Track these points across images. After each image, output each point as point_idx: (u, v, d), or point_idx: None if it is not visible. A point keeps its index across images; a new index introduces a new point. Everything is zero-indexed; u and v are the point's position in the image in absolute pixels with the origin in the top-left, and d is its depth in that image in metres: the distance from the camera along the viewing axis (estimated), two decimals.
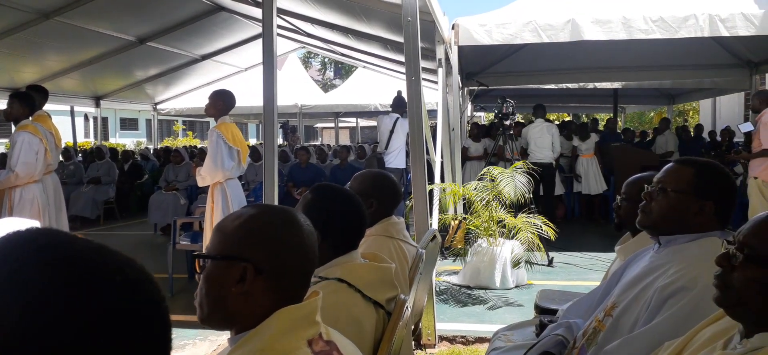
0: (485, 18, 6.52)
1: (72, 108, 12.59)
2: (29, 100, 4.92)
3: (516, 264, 5.29)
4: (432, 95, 9.33)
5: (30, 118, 4.87)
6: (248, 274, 1.14)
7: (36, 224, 3.97)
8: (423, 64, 4.08)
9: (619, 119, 14.12)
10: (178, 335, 3.97)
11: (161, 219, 8.44)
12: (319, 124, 30.07)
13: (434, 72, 6.82)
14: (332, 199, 1.81)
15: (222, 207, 4.51)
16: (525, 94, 11.57)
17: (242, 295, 1.14)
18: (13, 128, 4.92)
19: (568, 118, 16.21)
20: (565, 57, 8.84)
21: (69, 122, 12.67)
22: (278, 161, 4.09)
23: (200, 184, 4.75)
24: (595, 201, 9.15)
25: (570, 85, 11.47)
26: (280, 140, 13.85)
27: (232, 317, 1.17)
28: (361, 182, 2.39)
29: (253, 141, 24.75)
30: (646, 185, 1.80)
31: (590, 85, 11.70)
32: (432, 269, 3.17)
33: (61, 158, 8.51)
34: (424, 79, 3.95)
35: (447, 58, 6.66)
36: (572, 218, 9.35)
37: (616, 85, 11.85)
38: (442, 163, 6.15)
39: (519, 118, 12.55)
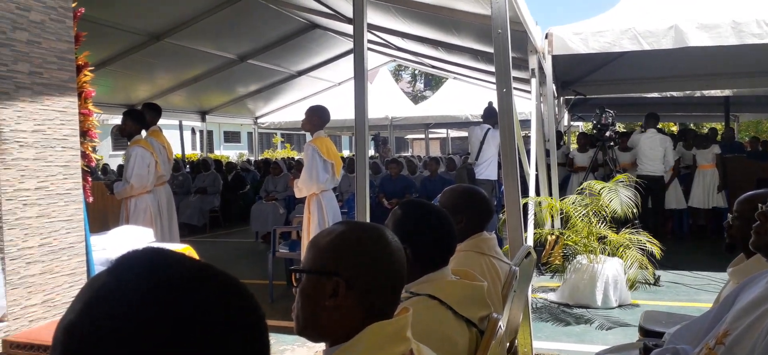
0: (580, 26, 6.29)
1: (180, 122, 13.49)
2: (141, 117, 5.34)
3: (632, 285, 5.02)
4: (525, 105, 9.12)
5: (143, 133, 5.28)
6: (340, 288, 1.17)
7: (149, 231, 4.29)
8: (515, 74, 4.00)
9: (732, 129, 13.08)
10: (277, 340, 4.12)
11: (262, 227, 8.83)
12: (409, 136, 30.24)
13: (527, 82, 6.66)
14: (421, 215, 1.80)
15: (317, 218, 4.65)
16: (626, 103, 11.01)
17: (334, 309, 1.17)
18: (128, 143, 5.35)
19: (674, 128, 15.23)
20: (668, 64, 8.32)
21: (178, 136, 13.59)
22: (369, 173, 4.16)
23: (297, 195, 4.93)
24: (708, 216, 8.50)
25: (675, 94, 10.78)
26: (371, 152, 14.08)
27: (325, 330, 1.20)
28: (451, 197, 2.37)
29: (346, 153, 25.30)
30: (760, 205, 1.65)
31: (697, 94, 10.93)
32: (527, 286, 3.08)
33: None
34: (516, 88, 3.87)
35: (540, 68, 6.49)
36: (681, 233, 8.74)
37: (727, 92, 10.99)
38: (536, 175, 5.98)
39: (620, 128, 11.95)
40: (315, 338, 1.24)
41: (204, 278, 0.65)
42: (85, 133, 3.49)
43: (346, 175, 8.74)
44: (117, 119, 12.68)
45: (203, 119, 13.13)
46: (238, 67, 10.08)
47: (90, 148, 3.58)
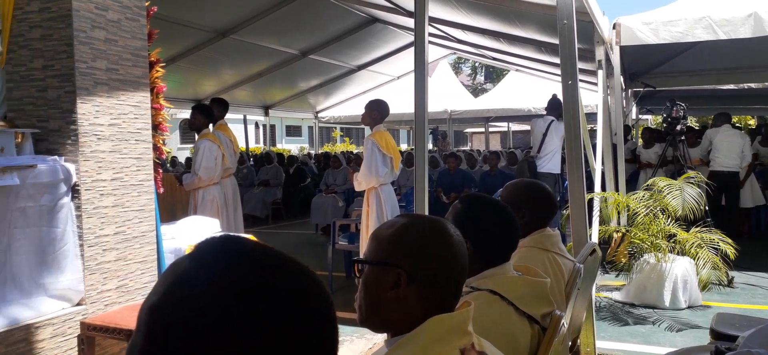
0: (650, 16, 6.02)
1: (244, 116, 13.90)
2: (208, 112, 5.54)
3: (704, 286, 4.79)
4: (591, 98, 8.84)
5: (210, 127, 5.47)
6: (402, 280, 1.18)
7: (216, 221, 4.44)
8: (581, 65, 3.88)
9: None
10: None
11: (322, 220, 8.98)
12: (468, 130, 29.95)
13: (594, 74, 6.46)
14: (482, 209, 1.78)
15: (376, 211, 4.69)
16: (698, 96, 10.49)
17: (396, 300, 1.18)
18: (197, 136, 5.56)
19: (752, 122, 14.37)
20: (746, 54, 7.86)
21: (242, 129, 14.01)
22: (428, 167, 4.15)
23: (357, 188, 4.98)
24: None
25: (753, 85, 10.17)
26: (430, 146, 14.03)
27: (387, 321, 1.22)
28: (513, 191, 2.33)
29: (404, 147, 25.32)
30: None
31: None
32: (591, 284, 3.00)
33: None
34: (582, 81, 3.75)
35: (607, 60, 6.27)
36: (758, 233, 8.25)
37: None
38: (602, 170, 5.79)
39: (691, 122, 11.40)
40: (377, 329, 1.26)
41: (278, 264, 0.68)
42: (156, 127, 3.65)
43: (405, 170, 8.75)
44: (185, 113, 13.19)
45: (266, 114, 13.45)
46: (299, 63, 10.27)
47: (161, 141, 3.74)
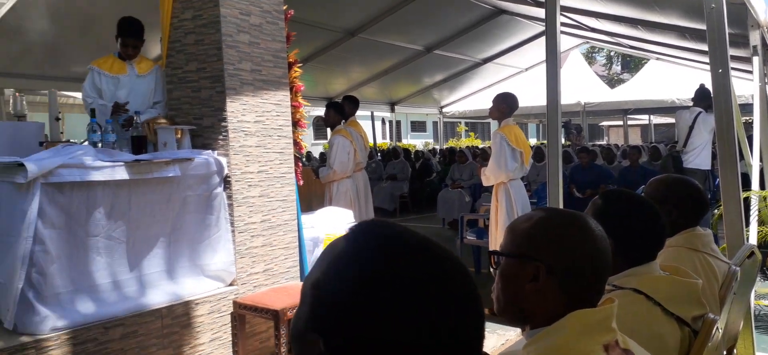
0: None
1: (372, 113, 14.28)
2: (341, 109, 5.80)
3: None
4: (745, 87, 8.00)
5: (343, 123, 5.72)
6: (540, 273, 1.17)
7: (350, 212, 4.64)
8: (732, 52, 3.54)
9: None
10: None
11: (448, 214, 9.02)
12: (604, 123, 28.29)
13: (747, 61, 5.83)
14: (625, 205, 1.69)
15: (505, 207, 4.62)
16: None
17: (535, 293, 1.18)
18: (329, 132, 5.83)
19: None
20: None
21: (369, 125, 14.42)
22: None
23: (485, 183, 4.93)
24: None
25: None
26: (562, 140, 13.47)
27: (525, 314, 1.21)
28: (660, 187, 2.18)
29: (532, 141, 24.55)
30: None
31: None
32: (749, 290, 2.73)
33: None
34: (734, 68, 3.42)
35: (764, 44, 5.62)
36: None
37: None
38: (761, 166, 5.23)
39: None
40: (514, 321, 1.26)
41: (427, 247, 0.71)
42: (296, 124, 3.88)
43: (535, 165, 8.51)
44: (318, 111, 13.84)
45: (392, 110, 13.73)
46: (424, 58, 10.36)
47: (300, 137, 3.97)
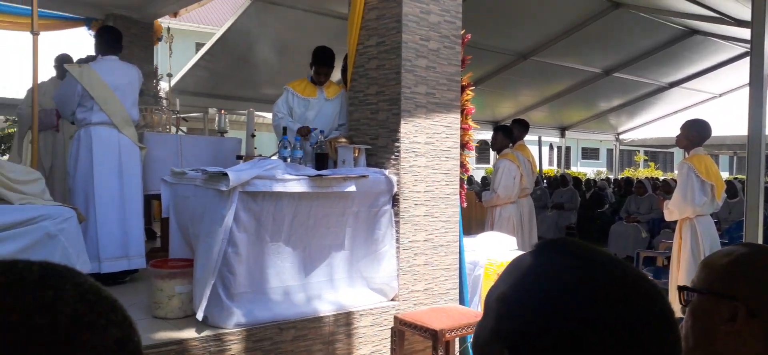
0: None
1: (539, 138, 13.85)
2: (509, 132, 5.72)
3: None
4: None
5: (510, 147, 5.63)
6: (739, 314, 1.06)
7: (513, 239, 4.55)
8: None
9: None
10: None
11: (621, 250, 8.40)
12: None
13: None
14: None
15: (690, 245, 4.18)
16: None
17: (732, 335, 1.07)
18: (492, 156, 5.77)
19: None
20: None
21: (537, 151, 14.00)
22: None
23: (667, 218, 4.52)
24: None
25: None
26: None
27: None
28: None
29: (724, 175, 21.97)
30: None
31: None
32: None
33: None
34: None
35: None
36: None
37: None
38: None
39: None
40: None
41: (620, 266, 0.69)
42: (463, 146, 3.91)
43: (727, 201, 7.59)
44: (481, 135, 13.79)
45: (562, 135, 13.19)
46: (601, 82, 9.81)
47: (466, 159, 3.99)
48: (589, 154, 29.78)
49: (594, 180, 13.45)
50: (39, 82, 3.91)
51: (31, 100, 3.76)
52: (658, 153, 27.47)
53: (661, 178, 15.19)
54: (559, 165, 16.78)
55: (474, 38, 4.12)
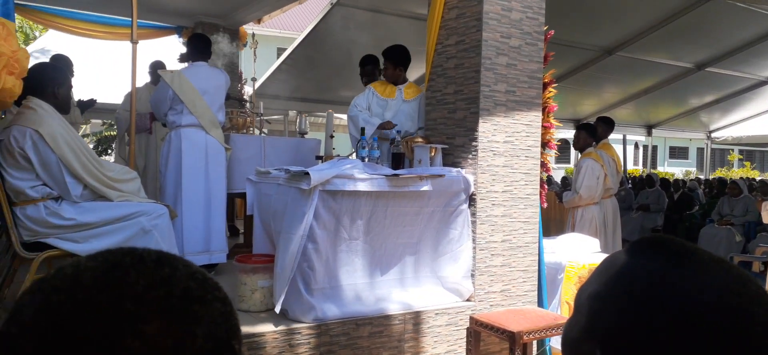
0: None
1: (624, 136, 13.26)
2: (593, 130, 5.51)
3: None
4: None
5: (594, 145, 5.43)
6: None
7: (595, 241, 4.39)
8: None
9: None
10: None
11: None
12: None
13: None
14: None
15: None
16: None
17: None
18: (573, 155, 5.57)
19: None
20: None
21: (621, 150, 13.41)
22: None
23: (766, 221, 4.22)
24: None
25: None
26: None
27: None
28: None
29: None
30: None
31: None
32: None
33: None
34: None
35: None
36: None
37: None
38: None
39: None
40: None
41: (725, 266, 0.66)
42: (545, 145, 3.82)
43: None
44: (563, 133, 13.37)
45: (649, 133, 12.58)
46: (693, 77, 9.26)
47: (547, 158, 3.90)
48: (678, 153, 28.18)
49: (683, 180, 12.71)
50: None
51: (129, 105, 4.02)
52: (754, 152, 25.63)
53: (758, 178, 14.14)
54: (644, 165, 15.99)
55: (556, 34, 4.01)
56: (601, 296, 0.69)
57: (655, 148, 24.01)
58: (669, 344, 0.62)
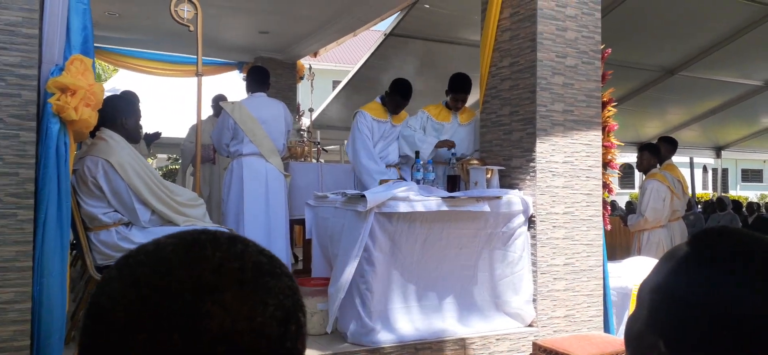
0: None
1: (691, 159, 12.70)
2: (656, 151, 5.32)
3: None
4: None
5: (658, 166, 5.24)
6: None
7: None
8: None
9: None
10: None
11: None
12: None
13: None
14: None
15: None
16: None
17: None
18: (638, 178, 5.38)
19: None
20: None
21: (688, 173, 12.84)
22: None
23: None
24: None
25: None
26: None
27: None
28: None
29: None
30: None
31: None
32: None
33: None
34: None
35: None
36: None
37: None
38: None
39: None
40: None
41: None
42: (606, 165, 3.72)
43: None
44: (625, 157, 12.97)
45: (718, 156, 12.01)
46: (763, 95, 8.82)
47: (609, 179, 3.78)
48: (751, 176, 26.69)
49: (757, 204, 12.03)
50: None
51: (194, 136, 4.19)
52: None
53: None
54: (714, 188, 15.19)
55: (614, 55, 3.93)
56: (662, 289, 0.69)
57: (725, 170, 22.87)
58: (732, 337, 0.61)
